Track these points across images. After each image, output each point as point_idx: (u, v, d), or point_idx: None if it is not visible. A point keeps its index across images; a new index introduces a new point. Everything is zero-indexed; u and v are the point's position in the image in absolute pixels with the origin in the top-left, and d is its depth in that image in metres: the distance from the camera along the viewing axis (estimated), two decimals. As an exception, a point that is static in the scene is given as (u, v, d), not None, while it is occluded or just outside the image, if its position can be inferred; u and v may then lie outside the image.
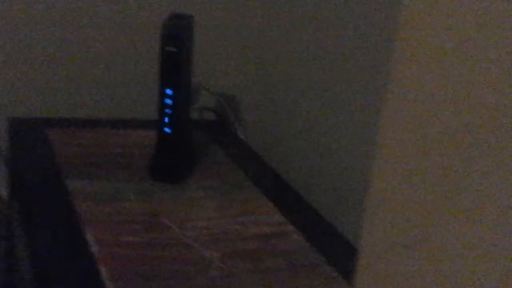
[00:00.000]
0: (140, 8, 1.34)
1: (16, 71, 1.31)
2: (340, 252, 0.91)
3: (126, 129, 1.24)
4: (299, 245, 0.91)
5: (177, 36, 1.02)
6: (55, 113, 1.29)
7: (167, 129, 1.05)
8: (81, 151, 1.13)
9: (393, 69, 0.54)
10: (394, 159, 0.53)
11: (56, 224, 0.91)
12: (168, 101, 1.04)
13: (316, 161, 1.15)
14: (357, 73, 1.04)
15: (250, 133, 1.36)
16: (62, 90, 1.33)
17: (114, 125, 1.25)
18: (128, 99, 1.36)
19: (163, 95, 1.04)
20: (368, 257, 0.60)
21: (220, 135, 1.29)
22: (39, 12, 1.29)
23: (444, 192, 0.48)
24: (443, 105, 0.48)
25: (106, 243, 0.86)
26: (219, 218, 0.96)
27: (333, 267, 0.86)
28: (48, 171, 1.05)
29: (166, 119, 1.05)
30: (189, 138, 1.12)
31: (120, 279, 0.79)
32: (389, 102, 0.54)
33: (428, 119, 0.49)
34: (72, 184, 1.01)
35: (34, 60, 1.31)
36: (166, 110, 1.04)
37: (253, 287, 0.80)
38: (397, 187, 0.53)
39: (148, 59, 1.33)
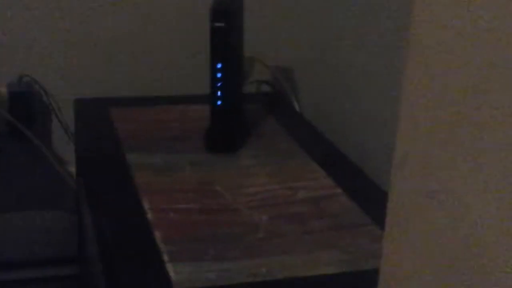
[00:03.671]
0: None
1: (80, 56, 1.38)
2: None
3: (181, 104, 1.29)
4: (346, 206, 0.94)
5: (225, 11, 1.06)
6: (116, 92, 1.35)
7: (219, 102, 1.09)
8: (140, 127, 1.18)
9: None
10: (419, 114, 0.55)
11: (116, 194, 0.97)
12: (219, 75, 1.08)
13: (368, 132, 1.16)
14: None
15: (304, 105, 1.39)
16: (121, 71, 1.39)
17: (171, 102, 1.30)
18: (182, 76, 1.41)
19: (214, 69, 1.08)
20: (395, 207, 0.62)
21: (275, 107, 1.32)
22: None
23: (458, 138, 0.50)
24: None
25: (161, 210, 0.91)
26: (270, 184, 0.99)
27: (378, 226, 0.88)
28: (110, 146, 1.11)
29: (218, 93, 1.09)
30: (241, 110, 1.15)
31: (174, 242, 0.84)
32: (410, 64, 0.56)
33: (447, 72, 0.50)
34: (132, 157, 1.06)
35: (95, 44, 1.38)
36: (218, 84, 1.08)
37: (298, 246, 0.83)
38: (419, 141, 0.55)
39: (199, 36, 1.36)
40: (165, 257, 0.80)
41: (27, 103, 1.33)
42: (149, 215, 0.90)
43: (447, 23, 0.49)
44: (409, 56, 0.55)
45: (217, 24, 1.05)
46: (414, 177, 0.57)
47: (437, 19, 0.50)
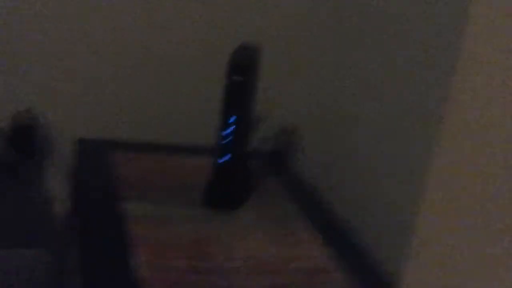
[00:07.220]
0: (210, 38, 1.38)
1: (85, 95, 1.36)
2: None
3: (185, 155, 1.27)
4: (338, 283, 0.91)
5: (243, 66, 1.04)
6: (120, 135, 1.33)
7: (225, 158, 1.06)
8: (140, 174, 1.16)
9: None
10: (440, 208, 0.53)
11: (110, 243, 0.94)
12: (230, 129, 1.05)
13: (369, 199, 1.14)
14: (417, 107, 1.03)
15: (307, 165, 1.37)
16: (127, 114, 1.38)
17: (174, 151, 1.29)
18: (189, 126, 1.39)
19: (225, 122, 1.05)
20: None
21: (278, 165, 1.31)
22: (107, 40, 1.34)
23: (482, 241, 0.48)
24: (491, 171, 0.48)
25: (153, 266, 0.88)
26: (264, 249, 0.97)
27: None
28: (108, 191, 1.09)
29: (226, 148, 1.06)
30: (246, 167, 1.13)
31: (164, 302, 0.81)
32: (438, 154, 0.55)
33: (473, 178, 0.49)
34: (128, 205, 1.04)
35: (103, 85, 1.36)
36: (227, 138, 1.06)
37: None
38: (441, 234, 0.53)
39: (210, 88, 1.35)
40: (154, 318, 0.77)
41: (29, 136, 1.31)
42: (142, 270, 0.87)
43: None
44: (440, 142, 0.54)
45: (235, 78, 1.03)
46: (430, 268, 0.55)
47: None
